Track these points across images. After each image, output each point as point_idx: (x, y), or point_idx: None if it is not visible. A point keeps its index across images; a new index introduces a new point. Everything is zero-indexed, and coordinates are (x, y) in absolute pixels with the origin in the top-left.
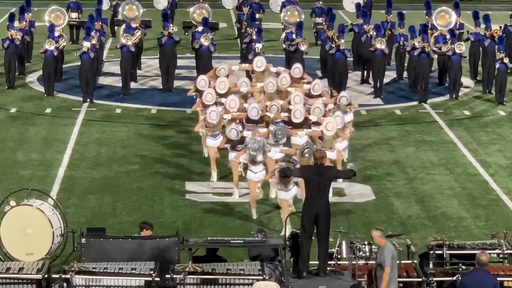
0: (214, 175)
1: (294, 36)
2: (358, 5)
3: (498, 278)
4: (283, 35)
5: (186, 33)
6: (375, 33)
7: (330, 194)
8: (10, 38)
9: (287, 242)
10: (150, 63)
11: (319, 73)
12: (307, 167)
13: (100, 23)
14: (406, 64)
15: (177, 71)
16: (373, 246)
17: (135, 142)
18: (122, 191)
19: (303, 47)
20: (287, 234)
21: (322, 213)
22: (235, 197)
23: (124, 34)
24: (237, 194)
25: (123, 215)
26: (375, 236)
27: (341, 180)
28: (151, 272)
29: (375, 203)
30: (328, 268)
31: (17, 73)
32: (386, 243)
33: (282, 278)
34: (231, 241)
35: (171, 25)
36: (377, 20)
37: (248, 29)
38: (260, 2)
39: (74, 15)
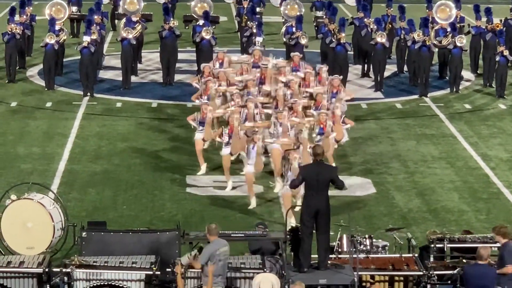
0: (203, 168)
1: (294, 29)
2: None
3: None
4: (283, 28)
5: (187, 27)
6: (375, 27)
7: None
8: (11, 32)
9: (288, 236)
10: (150, 57)
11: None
12: (307, 166)
13: (100, 16)
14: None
15: (177, 65)
16: (374, 240)
17: (136, 136)
18: (122, 185)
19: (303, 41)
20: (288, 228)
21: (322, 209)
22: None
23: (125, 28)
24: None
25: (124, 209)
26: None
27: None
28: (152, 266)
29: (375, 196)
30: (328, 262)
31: (18, 67)
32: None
33: (283, 272)
34: (232, 235)
35: (171, 19)
36: (378, 14)
37: (248, 22)
38: None
39: (74, 8)
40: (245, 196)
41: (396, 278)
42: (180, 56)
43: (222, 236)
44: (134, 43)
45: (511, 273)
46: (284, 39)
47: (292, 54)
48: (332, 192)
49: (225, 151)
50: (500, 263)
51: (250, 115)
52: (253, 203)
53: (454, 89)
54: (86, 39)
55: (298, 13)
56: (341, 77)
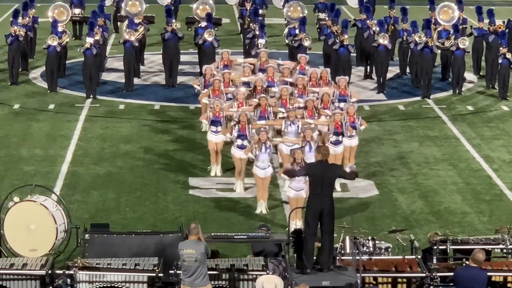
0: (214, 168)
1: (297, 31)
2: (361, 0)
3: (502, 274)
4: (286, 30)
5: (189, 29)
6: (378, 29)
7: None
8: (14, 34)
9: (291, 238)
10: (153, 59)
11: (322, 68)
12: (312, 164)
13: (103, 19)
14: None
15: (180, 67)
16: (377, 241)
17: (138, 138)
18: (125, 187)
19: (306, 43)
20: (291, 229)
21: (327, 210)
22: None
23: (127, 30)
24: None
25: (127, 211)
26: None
27: None
28: (155, 268)
29: (378, 198)
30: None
31: (20, 69)
32: None
33: (286, 274)
34: (235, 237)
35: (174, 21)
36: (380, 15)
37: (251, 24)
38: None
39: (77, 11)
40: (248, 198)
41: (399, 280)
42: (183, 58)
43: (225, 238)
44: (137, 45)
45: None
46: (287, 41)
47: (299, 55)
48: (334, 194)
49: (236, 152)
50: None
51: (263, 113)
52: (259, 207)
53: (457, 91)
54: (89, 40)
55: (301, 15)
56: (347, 77)
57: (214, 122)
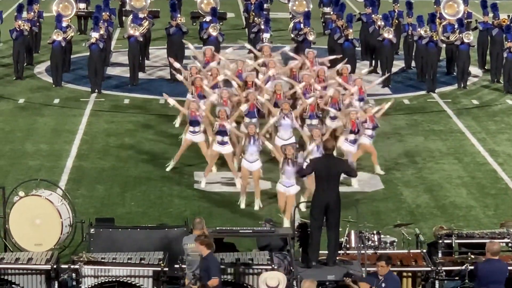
0: (214, 169)
1: (302, 25)
2: None
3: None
4: (291, 24)
5: (194, 23)
6: (383, 23)
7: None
8: (18, 29)
9: (296, 232)
10: (158, 53)
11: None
12: (317, 159)
13: (108, 13)
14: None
15: (185, 61)
16: (382, 236)
17: (143, 132)
18: (130, 181)
19: (311, 37)
20: (296, 223)
21: (333, 204)
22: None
23: (132, 25)
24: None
25: (132, 205)
26: None
27: None
28: (160, 262)
29: (384, 192)
30: (337, 258)
31: (25, 64)
32: None
33: (291, 268)
34: (240, 231)
35: (179, 15)
36: (385, 10)
37: (256, 19)
38: None
39: (82, 5)
40: (253, 192)
41: (404, 274)
42: (187, 52)
43: (230, 232)
44: (141, 40)
45: (216, 285)
46: (292, 35)
47: (306, 51)
48: (339, 188)
49: (216, 147)
50: (206, 275)
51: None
52: (242, 202)
53: (462, 85)
54: (94, 35)
55: (306, 9)
56: (362, 77)
57: (192, 122)
